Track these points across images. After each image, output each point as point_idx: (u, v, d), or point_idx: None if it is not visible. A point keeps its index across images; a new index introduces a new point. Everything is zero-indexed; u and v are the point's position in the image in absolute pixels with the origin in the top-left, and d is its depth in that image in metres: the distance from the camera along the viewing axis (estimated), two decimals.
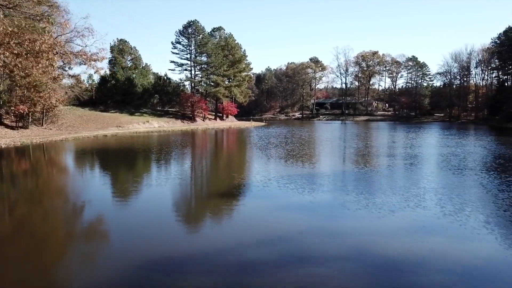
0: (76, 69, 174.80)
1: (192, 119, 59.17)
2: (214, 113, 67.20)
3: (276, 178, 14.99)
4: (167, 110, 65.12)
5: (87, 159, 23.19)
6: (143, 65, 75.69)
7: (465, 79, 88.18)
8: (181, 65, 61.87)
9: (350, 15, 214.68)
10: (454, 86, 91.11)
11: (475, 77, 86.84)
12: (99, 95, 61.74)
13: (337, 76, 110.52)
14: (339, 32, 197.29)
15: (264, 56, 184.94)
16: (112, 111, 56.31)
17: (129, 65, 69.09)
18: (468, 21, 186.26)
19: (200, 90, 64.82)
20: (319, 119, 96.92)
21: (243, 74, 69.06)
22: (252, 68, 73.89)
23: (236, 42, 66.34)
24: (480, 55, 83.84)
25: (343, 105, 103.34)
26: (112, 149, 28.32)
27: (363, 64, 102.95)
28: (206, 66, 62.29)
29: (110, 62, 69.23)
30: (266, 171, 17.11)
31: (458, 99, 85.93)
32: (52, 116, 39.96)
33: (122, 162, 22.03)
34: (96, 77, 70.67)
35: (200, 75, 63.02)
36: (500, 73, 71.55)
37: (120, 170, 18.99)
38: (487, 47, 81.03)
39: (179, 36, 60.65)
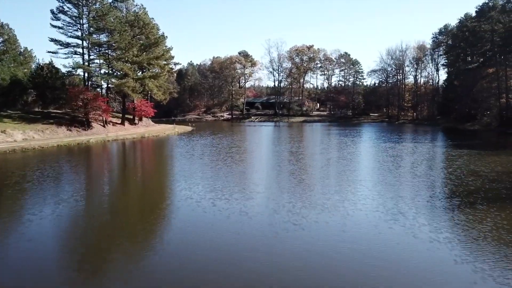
0: None
1: (86, 125, 40.38)
2: (121, 116, 48.95)
3: None
4: (49, 112, 44.95)
5: None
6: (21, 50, 57.90)
7: (399, 77, 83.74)
8: (67, 45, 42.18)
9: (282, 8, 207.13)
10: (389, 85, 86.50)
11: (415, 74, 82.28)
12: None
13: (270, 72, 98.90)
14: (269, 26, 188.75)
15: (185, 49, 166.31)
16: None
17: None
18: (404, 18, 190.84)
19: (98, 82, 45.95)
20: (251, 120, 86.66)
21: (162, 62, 51.35)
22: (173, 56, 56.72)
23: (151, 19, 48.82)
24: (414, 52, 79.77)
25: (276, 105, 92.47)
26: None
27: (297, 60, 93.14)
28: (106, 49, 43.82)
29: None
30: None
31: (398, 98, 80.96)
32: None
33: None
34: None
35: (98, 62, 44.13)
36: (451, 69, 66.41)
37: None
38: (421, 44, 77.60)
39: (63, 3, 40.93)
